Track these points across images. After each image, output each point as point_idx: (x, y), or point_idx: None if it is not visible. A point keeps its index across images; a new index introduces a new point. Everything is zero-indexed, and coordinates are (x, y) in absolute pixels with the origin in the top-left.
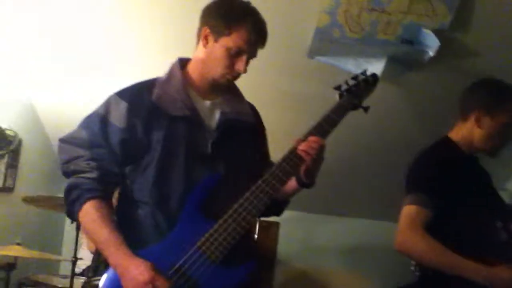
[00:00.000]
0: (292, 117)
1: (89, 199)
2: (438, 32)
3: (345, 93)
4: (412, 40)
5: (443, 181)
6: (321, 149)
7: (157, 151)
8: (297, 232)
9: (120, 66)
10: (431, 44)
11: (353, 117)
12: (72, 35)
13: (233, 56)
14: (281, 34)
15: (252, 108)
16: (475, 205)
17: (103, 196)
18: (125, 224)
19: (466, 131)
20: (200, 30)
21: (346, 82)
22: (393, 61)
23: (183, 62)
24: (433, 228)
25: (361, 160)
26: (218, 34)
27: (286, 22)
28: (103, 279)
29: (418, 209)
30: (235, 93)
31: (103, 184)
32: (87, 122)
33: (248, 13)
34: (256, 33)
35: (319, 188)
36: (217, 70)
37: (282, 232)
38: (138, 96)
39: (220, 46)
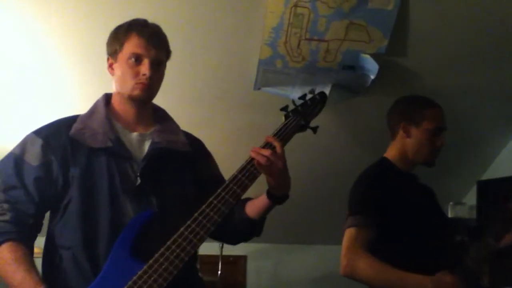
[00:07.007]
0: (248, 151)
1: (2, 242)
2: (376, 57)
3: (290, 114)
4: (353, 66)
5: (377, 199)
6: (275, 155)
7: (74, 189)
8: (266, 265)
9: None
10: (371, 68)
11: (308, 144)
12: None
13: (135, 65)
14: (226, 69)
15: (190, 137)
16: (414, 220)
17: (19, 239)
18: (48, 275)
19: (399, 146)
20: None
21: (293, 102)
22: (337, 88)
23: (108, 98)
24: (377, 246)
25: (322, 186)
26: (115, 54)
27: (230, 58)
28: None
29: (357, 230)
30: (169, 125)
31: (18, 226)
32: (2, 164)
33: (132, 23)
34: (145, 35)
35: (284, 218)
36: (127, 85)
37: (250, 266)
38: (55, 133)
39: (120, 62)
